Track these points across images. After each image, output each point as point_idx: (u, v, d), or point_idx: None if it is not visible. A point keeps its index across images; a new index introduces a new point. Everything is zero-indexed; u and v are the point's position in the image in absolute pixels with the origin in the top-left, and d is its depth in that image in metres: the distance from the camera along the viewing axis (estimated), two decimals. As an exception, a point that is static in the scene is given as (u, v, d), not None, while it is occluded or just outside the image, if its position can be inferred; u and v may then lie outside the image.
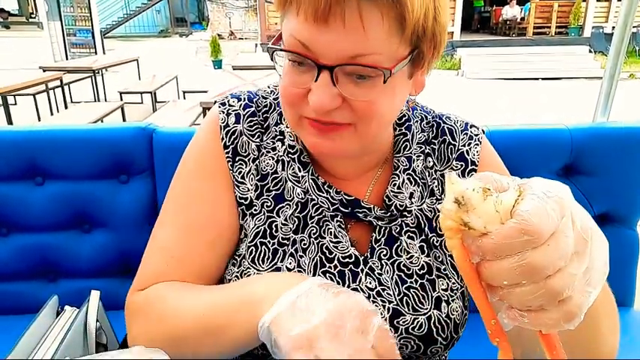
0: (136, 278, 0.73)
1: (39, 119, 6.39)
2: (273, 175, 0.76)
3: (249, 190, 0.75)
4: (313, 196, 0.74)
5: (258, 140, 0.77)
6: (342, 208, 0.73)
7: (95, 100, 7.85)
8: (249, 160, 0.76)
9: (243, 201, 0.75)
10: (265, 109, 0.79)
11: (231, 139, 0.76)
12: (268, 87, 0.83)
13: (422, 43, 0.62)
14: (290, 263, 0.72)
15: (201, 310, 0.62)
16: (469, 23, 18.79)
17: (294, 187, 0.75)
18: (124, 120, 6.25)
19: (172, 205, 0.76)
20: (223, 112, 0.77)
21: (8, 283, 1.40)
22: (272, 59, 0.64)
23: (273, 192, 0.76)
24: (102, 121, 5.19)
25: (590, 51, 13.98)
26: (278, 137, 0.77)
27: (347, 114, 0.62)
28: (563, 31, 16.13)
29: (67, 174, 1.35)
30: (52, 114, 6.70)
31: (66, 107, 6.84)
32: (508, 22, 16.88)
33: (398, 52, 0.60)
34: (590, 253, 0.40)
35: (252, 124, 0.77)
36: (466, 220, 0.38)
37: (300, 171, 0.74)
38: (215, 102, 0.78)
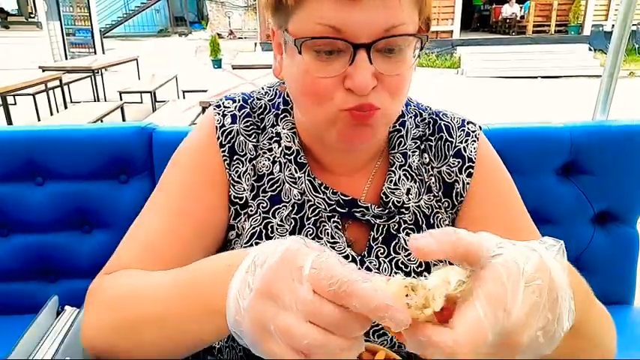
0: (108, 261, 0.70)
1: (38, 119, 6.38)
2: (269, 177, 0.75)
3: (244, 190, 0.75)
4: (310, 197, 0.73)
5: (254, 140, 0.77)
6: (338, 209, 0.73)
7: (95, 100, 7.83)
8: (246, 159, 0.76)
9: (237, 200, 0.75)
10: (260, 110, 0.79)
11: (228, 139, 0.75)
12: (262, 88, 0.82)
13: (421, 21, 0.64)
14: None
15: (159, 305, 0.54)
16: (469, 22, 18.74)
17: (291, 189, 0.74)
18: (123, 120, 6.24)
19: (161, 195, 0.74)
20: (219, 114, 0.76)
21: (8, 283, 1.40)
22: (300, 52, 0.60)
23: (269, 193, 0.75)
24: (101, 121, 5.19)
25: (589, 49, 13.96)
26: (274, 139, 0.77)
27: (380, 94, 0.62)
28: (562, 30, 16.10)
29: (67, 174, 1.35)
30: (51, 114, 6.69)
31: (65, 107, 6.82)
32: (508, 21, 16.85)
33: (417, 22, 0.62)
34: None
35: (248, 124, 0.77)
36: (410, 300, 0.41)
37: (296, 172, 0.74)
38: (210, 104, 0.76)
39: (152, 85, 7.24)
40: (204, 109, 4.76)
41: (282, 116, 0.77)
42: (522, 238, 0.73)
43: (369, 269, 0.73)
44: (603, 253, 1.41)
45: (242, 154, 0.76)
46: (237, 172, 0.75)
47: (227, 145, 0.75)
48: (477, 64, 13.00)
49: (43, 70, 6.77)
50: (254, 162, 0.76)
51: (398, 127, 0.77)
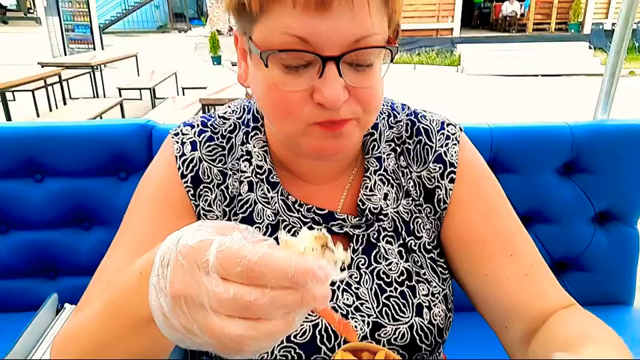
0: (80, 301, 0.66)
1: (37, 115, 6.37)
2: (239, 198, 0.73)
3: (217, 217, 0.72)
4: (284, 217, 0.71)
5: (220, 165, 0.74)
6: (314, 226, 0.71)
7: (94, 96, 7.83)
8: (213, 186, 0.73)
9: None
10: (230, 128, 0.76)
11: (190, 168, 0.72)
12: (229, 106, 0.79)
13: (391, 30, 0.62)
14: None
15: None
16: (469, 19, 18.74)
17: (264, 209, 0.72)
18: (122, 116, 6.23)
19: (126, 231, 0.71)
20: (178, 142, 0.73)
21: (8, 280, 1.40)
22: (267, 66, 0.58)
23: (240, 215, 0.72)
24: (101, 118, 5.18)
25: (589, 47, 13.96)
26: (244, 157, 0.74)
27: (352, 107, 0.60)
28: (563, 28, 16.12)
29: (66, 171, 1.35)
30: (50, 110, 6.68)
31: (65, 103, 6.82)
32: (508, 19, 16.85)
33: (386, 32, 0.60)
34: None
35: (210, 149, 0.74)
36: None
37: (269, 192, 0.72)
38: (175, 132, 0.75)
39: (151, 82, 7.23)
40: (203, 106, 4.76)
41: (252, 134, 0.75)
42: (509, 239, 0.72)
43: (349, 285, 0.71)
44: (603, 253, 1.41)
45: (208, 181, 0.72)
46: (206, 200, 0.72)
47: (189, 175, 0.72)
48: (477, 62, 12.99)
49: (42, 66, 6.77)
50: (222, 187, 0.73)
51: (371, 130, 0.75)
